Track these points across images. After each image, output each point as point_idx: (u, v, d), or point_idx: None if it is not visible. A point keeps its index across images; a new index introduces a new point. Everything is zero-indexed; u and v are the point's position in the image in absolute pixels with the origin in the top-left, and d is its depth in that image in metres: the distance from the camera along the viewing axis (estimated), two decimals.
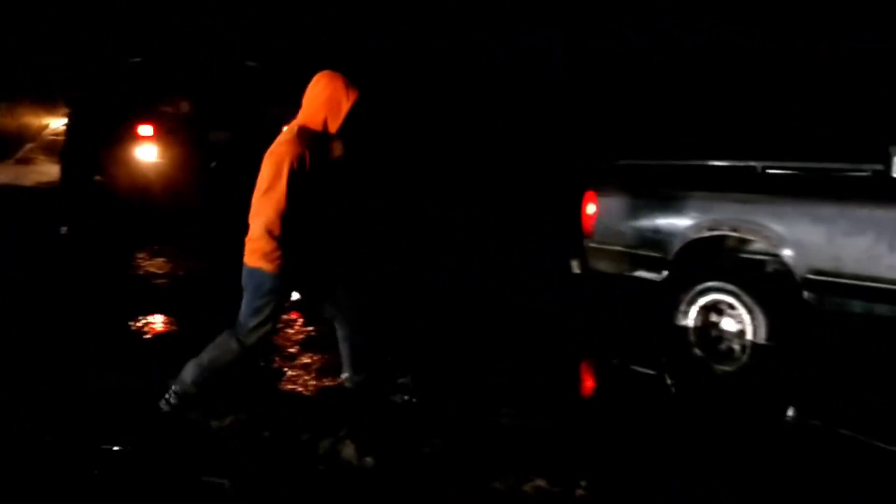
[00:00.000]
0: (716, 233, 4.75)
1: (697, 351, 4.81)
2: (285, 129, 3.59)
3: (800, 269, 4.39)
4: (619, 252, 5.31)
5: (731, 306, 4.67)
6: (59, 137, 14.88)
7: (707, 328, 4.81)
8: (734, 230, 4.67)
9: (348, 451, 3.54)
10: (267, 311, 3.59)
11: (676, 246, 4.94)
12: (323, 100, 3.49)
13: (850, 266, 4.23)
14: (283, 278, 3.52)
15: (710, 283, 4.75)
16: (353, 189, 4.01)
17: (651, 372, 4.85)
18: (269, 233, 3.40)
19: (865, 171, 4.31)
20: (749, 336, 4.55)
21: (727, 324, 4.73)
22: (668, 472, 3.44)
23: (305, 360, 4.91)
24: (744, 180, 4.75)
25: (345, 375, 4.03)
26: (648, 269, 5.16)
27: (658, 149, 5.54)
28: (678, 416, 4.18)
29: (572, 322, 5.91)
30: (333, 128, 3.51)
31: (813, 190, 4.43)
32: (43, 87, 19.83)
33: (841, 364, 4.49)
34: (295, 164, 3.38)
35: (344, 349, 3.98)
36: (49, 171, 13.80)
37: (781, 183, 4.55)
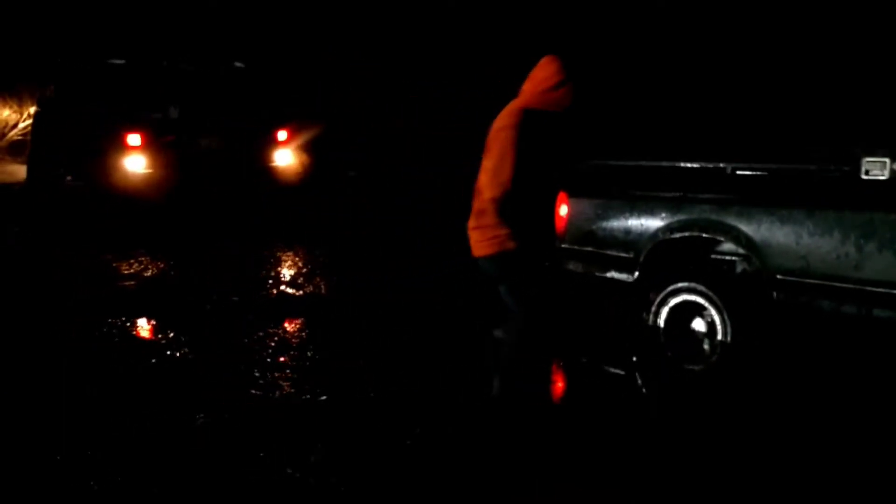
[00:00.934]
0: (686, 234, 4.78)
1: (668, 351, 4.84)
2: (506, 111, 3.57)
3: (769, 270, 4.43)
4: (590, 253, 5.33)
5: (702, 307, 4.71)
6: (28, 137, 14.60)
7: (678, 329, 4.84)
8: (704, 231, 4.69)
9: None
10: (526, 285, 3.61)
11: (647, 247, 4.96)
12: (543, 82, 3.52)
13: (818, 267, 4.28)
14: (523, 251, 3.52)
15: (680, 284, 4.78)
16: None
17: (621, 372, 4.86)
18: (501, 213, 3.43)
19: (834, 173, 4.36)
20: (719, 336, 4.59)
21: (698, 324, 4.76)
22: (638, 470, 3.46)
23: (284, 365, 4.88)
24: (714, 181, 4.78)
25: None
26: (619, 271, 5.18)
27: (629, 149, 5.54)
28: (647, 415, 4.20)
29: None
30: (553, 108, 3.54)
31: (782, 191, 4.47)
32: (10, 83, 19.35)
33: (808, 363, 4.53)
34: (520, 145, 3.42)
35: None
36: (15, 171, 13.63)
37: (751, 184, 4.59)
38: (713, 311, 4.62)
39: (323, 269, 7.67)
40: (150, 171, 9.31)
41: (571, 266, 5.46)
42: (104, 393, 4.31)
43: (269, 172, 10.17)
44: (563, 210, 5.43)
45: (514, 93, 3.65)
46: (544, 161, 3.59)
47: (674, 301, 4.82)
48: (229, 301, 6.37)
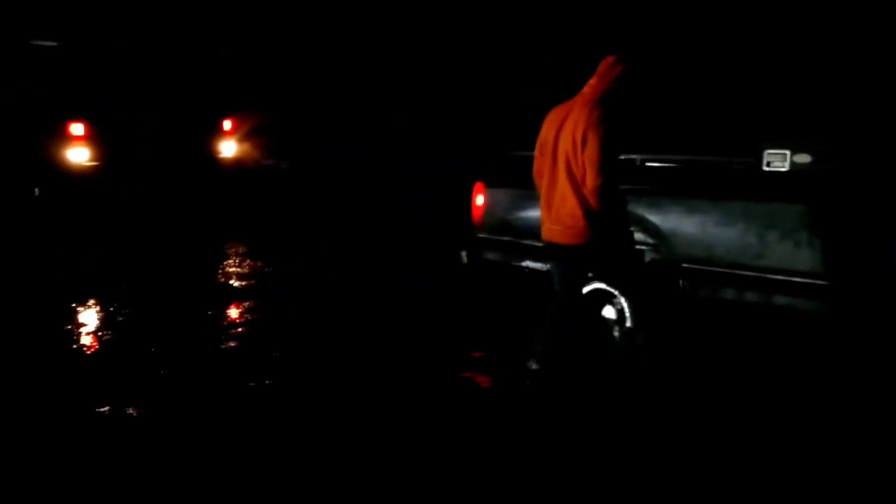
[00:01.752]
0: None
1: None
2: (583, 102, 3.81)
3: (676, 259, 4.55)
4: (507, 242, 5.40)
5: (612, 295, 4.81)
6: None
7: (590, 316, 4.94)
8: None
9: None
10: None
11: None
12: (606, 74, 3.80)
13: (722, 256, 4.42)
14: None
15: (591, 273, 4.88)
16: None
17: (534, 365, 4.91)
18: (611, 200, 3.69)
19: (738, 164, 4.51)
20: (629, 324, 4.70)
21: (608, 312, 4.87)
22: (556, 456, 3.53)
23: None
24: (625, 172, 4.88)
25: (532, 365, 4.08)
26: (535, 259, 5.25)
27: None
28: (554, 404, 4.27)
29: (461, 312, 5.97)
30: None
31: (689, 183, 4.60)
32: None
33: (715, 349, 4.68)
34: (614, 132, 3.66)
35: (543, 333, 4.10)
36: None
37: (659, 176, 4.71)
38: (622, 300, 4.73)
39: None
40: (94, 162, 8.83)
41: (488, 255, 5.52)
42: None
43: (213, 163, 9.88)
44: (480, 200, 5.49)
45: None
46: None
47: (586, 289, 4.90)
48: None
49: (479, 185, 5.52)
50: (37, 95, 8.77)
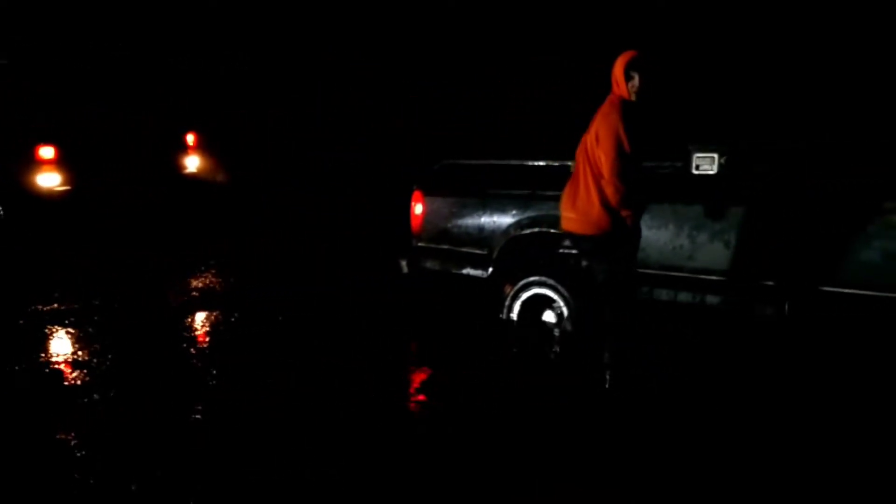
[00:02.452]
0: (535, 230, 4.94)
1: (520, 344, 4.98)
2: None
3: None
4: (446, 251, 5.42)
5: (552, 300, 4.88)
6: None
7: (529, 322, 5.00)
8: (552, 227, 4.87)
9: None
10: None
11: (499, 243, 5.11)
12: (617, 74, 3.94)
13: (656, 258, 4.52)
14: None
15: (531, 279, 4.94)
16: None
17: (477, 369, 4.94)
18: (623, 196, 3.87)
19: (667, 168, 4.61)
20: (568, 328, 4.77)
21: (548, 316, 4.93)
22: (493, 461, 3.56)
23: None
24: (560, 179, 4.96)
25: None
26: (474, 267, 5.30)
27: (482, 149, 5.70)
28: (499, 409, 4.31)
29: (400, 321, 5.98)
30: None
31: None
32: None
33: (651, 351, 4.77)
34: (624, 131, 3.83)
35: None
36: None
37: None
38: (562, 304, 4.80)
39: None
40: (65, 187, 8.26)
41: (428, 264, 5.54)
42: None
43: (177, 178, 9.52)
44: (419, 208, 5.51)
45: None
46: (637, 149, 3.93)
47: (525, 295, 4.97)
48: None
49: (417, 194, 5.54)
50: None
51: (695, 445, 3.73)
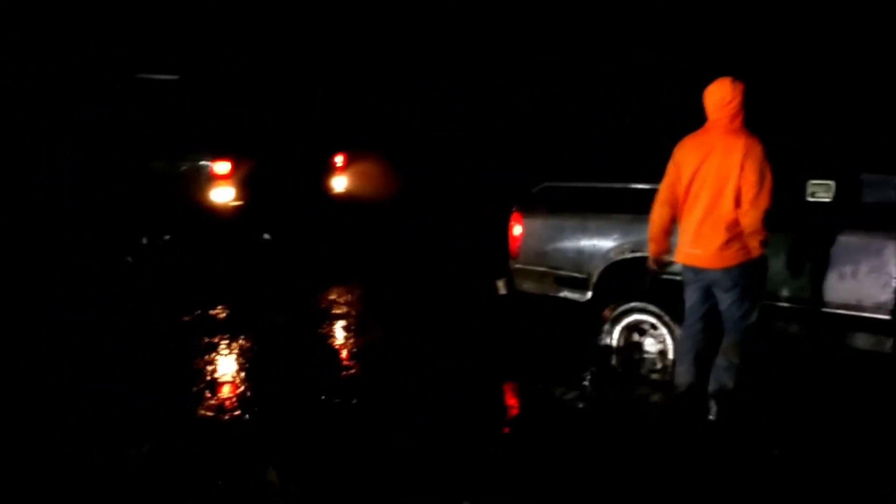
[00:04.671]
0: (638, 254, 4.84)
1: (620, 371, 4.89)
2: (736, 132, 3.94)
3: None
4: (544, 273, 5.37)
5: (654, 326, 4.77)
6: None
7: (630, 348, 4.90)
8: None
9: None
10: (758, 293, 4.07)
11: (600, 267, 5.03)
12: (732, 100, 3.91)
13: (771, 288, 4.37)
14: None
15: (632, 304, 4.84)
16: None
17: (574, 394, 4.86)
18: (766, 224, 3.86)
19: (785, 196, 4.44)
20: (671, 356, 4.64)
21: (649, 344, 4.82)
22: (586, 491, 3.49)
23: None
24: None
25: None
26: (573, 290, 5.23)
27: (583, 171, 5.62)
28: (598, 437, 4.22)
29: (498, 343, 5.94)
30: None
31: None
32: None
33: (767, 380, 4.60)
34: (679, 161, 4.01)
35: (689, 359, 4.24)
36: None
37: None
38: (664, 331, 4.68)
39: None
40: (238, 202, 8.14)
41: (525, 286, 5.50)
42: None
43: (326, 199, 9.36)
44: (517, 230, 5.48)
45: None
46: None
47: (626, 321, 4.87)
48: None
49: (516, 215, 5.51)
50: (160, 131, 8.26)
51: (799, 483, 3.56)
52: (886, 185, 4.20)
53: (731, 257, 3.92)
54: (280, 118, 8.95)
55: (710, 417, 4.11)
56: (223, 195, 7.97)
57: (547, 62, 12.00)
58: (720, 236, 3.92)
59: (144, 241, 8.27)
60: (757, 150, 3.84)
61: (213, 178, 7.93)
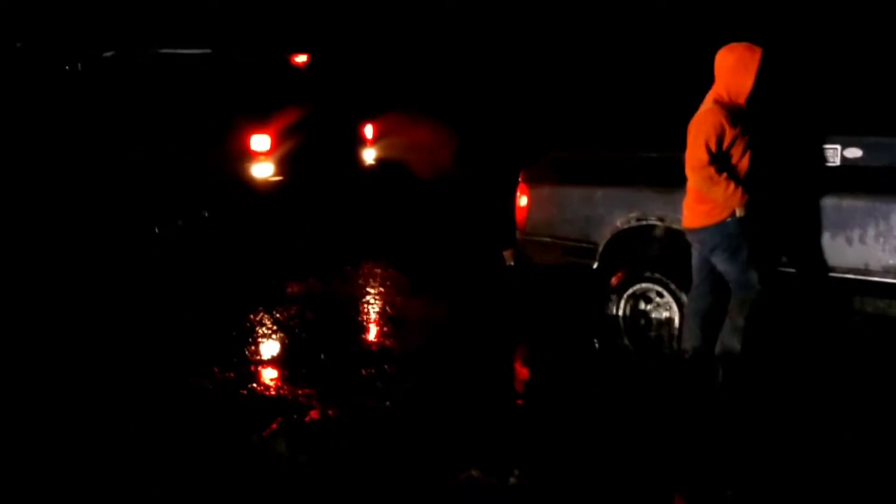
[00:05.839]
0: (644, 223, 4.84)
1: (627, 340, 4.90)
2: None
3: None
4: (551, 243, 5.36)
5: (660, 294, 4.77)
6: None
7: (637, 317, 4.91)
8: (661, 220, 4.75)
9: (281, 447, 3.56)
10: (745, 254, 4.00)
11: (606, 236, 5.01)
12: (727, 71, 3.91)
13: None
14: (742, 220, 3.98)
15: (638, 272, 4.84)
16: None
17: (582, 363, 4.88)
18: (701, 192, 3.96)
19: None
20: (677, 324, 4.65)
21: (656, 312, 4.83)
22: (597, 460, 3.51)
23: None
24: (670, 171, 4.83)
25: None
26: (580, 259, 5.22)
27: (589, 140, 5.60)
28: (607, 405, 4.24)
29: (506, 312, 5.96)
30: (742, 98, 3.91)
31: None
32: None
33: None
34: (714, 134, 3.85)
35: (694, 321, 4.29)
36: None
37: None
38: (671, 299, 4.68)
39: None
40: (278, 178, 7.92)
41: (532, 255, 5.49)
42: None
43: (357, 171, 9.15)
44: (524, 200, 5.46)
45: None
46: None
47: (632, 289, 4.87)
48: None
49: (522, 186, 5.49)
50: (195, 106, 7.93)
51: (802, 447, 3.58)
52: (893, 148, 4.18)
53: (700, 219, 4.05)
54: (309, 89, 8.73)
55: (718, 381, 4.13)
56: (263, 171, 7.77)
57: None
58: (690, 196, 4.08)
59: (180, 222, 8.12)
60: (702, 115, 3.92)
61: (252, 154, 7.69)
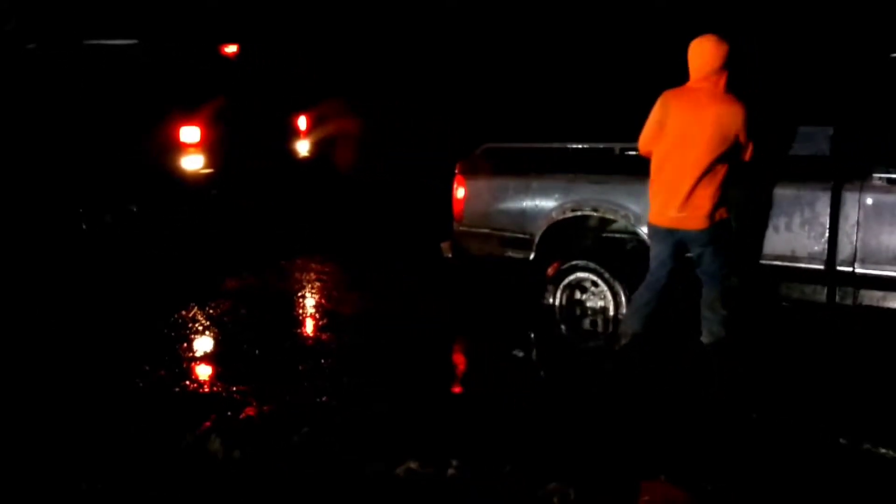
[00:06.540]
0: (578, 213, 4.89)
1: (563, 328, 4.95)
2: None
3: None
4: (488, 234, 5.39)
5: (595, 283, 4.83)
6: None
7: (573, 306, 4.96)
8: (595, 210, 4.81)
9: (215, 445, 3.49)
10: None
11: (542, 227, 5.05)
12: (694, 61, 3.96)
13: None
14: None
15: (574, 262, 4.89)
16: None
17: (520, 353, 4.89)
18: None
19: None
20: (611, 312, 4.72)
21: (591, 301, 4.88)
22: (538, 448, 3.53)
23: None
24: (603, 162, 4.90)
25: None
26: (516, 251, 5.25)
27: (524, 132, 5.63)
28: (543, 394, 4.27)
29: (444, 304, 5.96)
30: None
31: None
32: None
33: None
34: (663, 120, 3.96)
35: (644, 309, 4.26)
36: None
37: (638, 164, 4.69)
38: (605, 288, 4.74)
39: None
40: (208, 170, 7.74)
41: (470, 247, 5.50)
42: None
43: (291, 163, 9.05)
44: (461, 192, 5.47)
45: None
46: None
47: (568, 279, 4.92)
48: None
49: (459, 178, 5.50)
50: (123, 98, 7.70)
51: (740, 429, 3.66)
52: (819, 137, 4.29)
53: (715, 217, 4.00)
54: (240, 80, 8.55)
55: (714, 369, 4.22)
56: (193, 163, 7.59)
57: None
58: (711, 200, 3.95)
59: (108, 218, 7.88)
60: (746, 115, 3.90)
61: (181, 146, 7.49)
